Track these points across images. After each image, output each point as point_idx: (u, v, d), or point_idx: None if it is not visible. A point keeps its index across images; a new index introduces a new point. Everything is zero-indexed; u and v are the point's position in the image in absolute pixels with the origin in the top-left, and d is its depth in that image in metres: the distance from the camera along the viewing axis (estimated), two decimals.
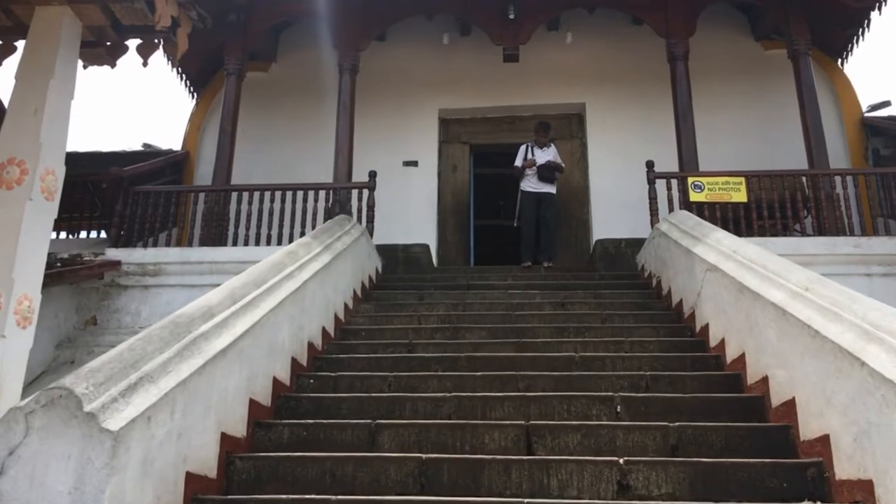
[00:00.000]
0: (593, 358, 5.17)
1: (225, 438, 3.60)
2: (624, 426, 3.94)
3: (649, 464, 3.48)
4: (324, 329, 5.70)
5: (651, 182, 8.61)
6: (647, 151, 9.90)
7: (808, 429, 3.62)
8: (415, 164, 10.86)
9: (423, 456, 3.59)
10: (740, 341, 4.69)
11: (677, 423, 3.92)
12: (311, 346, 5.30)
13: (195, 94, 11.61)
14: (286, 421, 4.17)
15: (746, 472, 3.43)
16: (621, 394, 4.38)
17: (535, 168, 9.30)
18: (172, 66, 10.75)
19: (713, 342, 5.25)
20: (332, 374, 4.94)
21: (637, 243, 8.32)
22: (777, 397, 4.05)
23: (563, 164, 9.69)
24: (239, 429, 3.82)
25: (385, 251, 8.57)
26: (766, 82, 10.54)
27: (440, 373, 4.98)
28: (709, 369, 4.96)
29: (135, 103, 28.45)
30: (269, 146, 10.96)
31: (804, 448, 3.64)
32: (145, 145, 11.95)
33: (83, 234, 11.34)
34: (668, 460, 3.53)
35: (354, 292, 6.89)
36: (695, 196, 8.45)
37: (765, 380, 4.23)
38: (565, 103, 10.98)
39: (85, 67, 5.38)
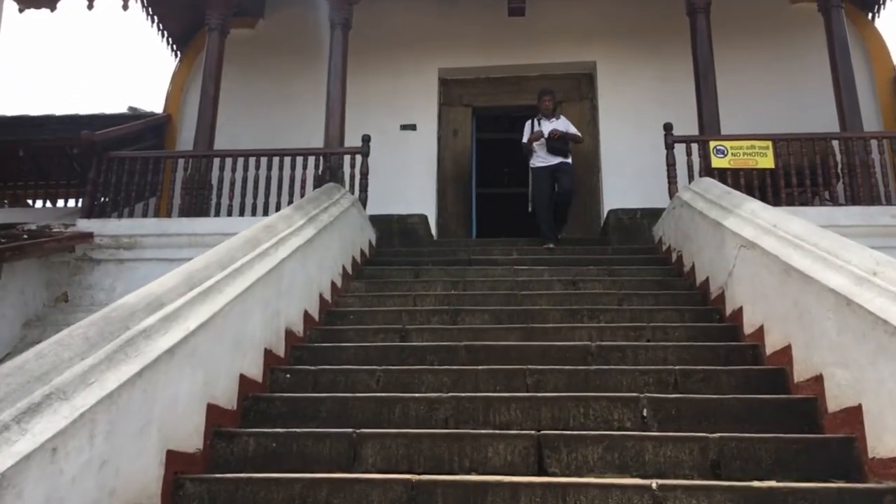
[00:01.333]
0: (611, 348, 4.53)
1: (173, 457, 2.97)
2: (653, 437, 3.30)
3: (689, 490, 2.85)
4: (306, 313, 5.05)
5: (669, 147, 7.89)
6: (663, 114, 9.15)
7: (883, 445, 2.98)
8: (413, 127, 10.13)
9: (414, 478, 2.96)
10: (785, 331, 4.03)
11: (717, 434, 3.28)
12: (289, 333, 4.66)
13: (178, 53, 10.85)
14: (253, 429, 3.53)
15: (808, 502, 2.79)
16: (647, 394, 3.73)
17: (542, 140, 8.15)
18: (151, 22, 9.99)
19: (748, 329, 4.60)
20: (312, 368, 4.30)
21: (654, 214, 7.64)
22: (835, 402, 3.40)
23: (579, 134, 8.56)
24: (193, 442, 3.19)
25: (380, 222, 7.90)
26: (792, 38, 9.74)
27: (436, 366, 4.35)
28: (746, 363, 4.31)
29: (124, 68, 27.57)
30: (258, 110, 10.22)
31: (876, 468, 3.00)
32: (131, 109, 11.20)
33: (61, 203, 10.73)
34: (711, 485, 2.89)
35: (343, 269, 6.24)
36: (717, 162, 7.74)
37: (818, 379, 3.58)
38: (574, 62, 10.20)
39: (21, 11, 4.66)
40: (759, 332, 4.39)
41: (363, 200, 7.87)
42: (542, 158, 8.14)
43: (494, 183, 13.31)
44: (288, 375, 4.24)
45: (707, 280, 5.55)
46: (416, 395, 3.87)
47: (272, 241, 4.67)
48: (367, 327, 5.14)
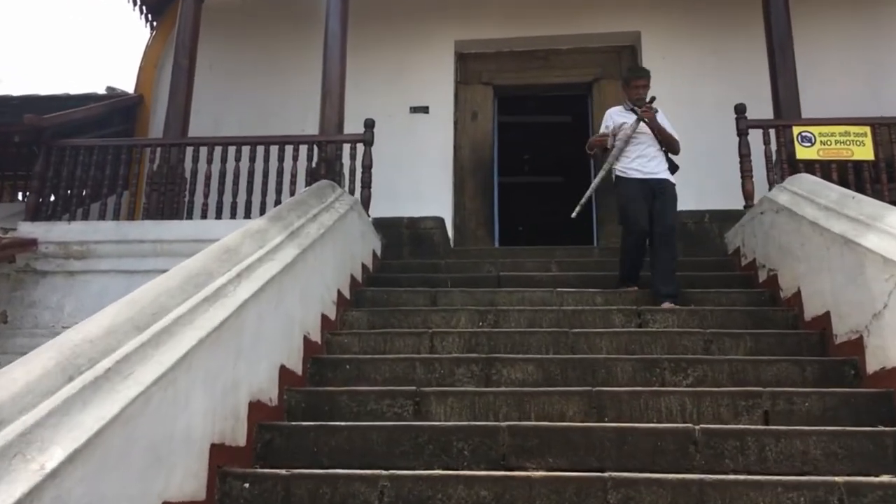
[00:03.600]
0: (723, 434, 3.09)
1: None
2: None
3: None
4: (282, 369, 3.63)
5: (743, 133, 6.42)
6: (721, 95, 7.75)
7: None
8: (425, 110, 8.65)
9: None
10: None
11: None
12: (255, 407, 3.24)
13: (153, 25, 9.39)
14: None
15: None
16: None
17: (636, 141, 5.33)
18: None
19: None
20: (284, 474, 2.88)
21: (727, 217, 6.17)
22: None
23: (678, 141, 5.53)
24: None
25: (386, 227, 6.46)
26: (880, 6, 8.20)
27: (469, 469, 2.94)
28: None
29: (107, 46, 25.92)
30: (244, 90, 8.74)
31: None
32: (109, 89, 9.73)
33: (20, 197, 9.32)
34: None
35: (339, 294, 4.81)
36: (802, 152, 6.26)
37: None
38: (614, 33, 8.67)
39: None
40: None
41: (365, 199, 6.44)
42: (636, 166, 5.29)
43: (514, 171, 11.93)
44: (246, 485, 2.82)
45: (827, 316, 4.11)
46: None
47: (230, 275, 3.25)
48: (367, 389, 3.71)
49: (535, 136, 11.59)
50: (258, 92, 8.67)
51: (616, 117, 5.53)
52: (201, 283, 3.05)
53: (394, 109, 8.50)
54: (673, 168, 5.40)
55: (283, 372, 3.63)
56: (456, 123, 8.70)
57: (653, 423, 3.39)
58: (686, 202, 7.08)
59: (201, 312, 2.87)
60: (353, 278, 5.23)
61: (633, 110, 5.46)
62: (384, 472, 2.83)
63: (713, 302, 4.95)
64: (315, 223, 4.54)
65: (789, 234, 4.73)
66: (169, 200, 6.78)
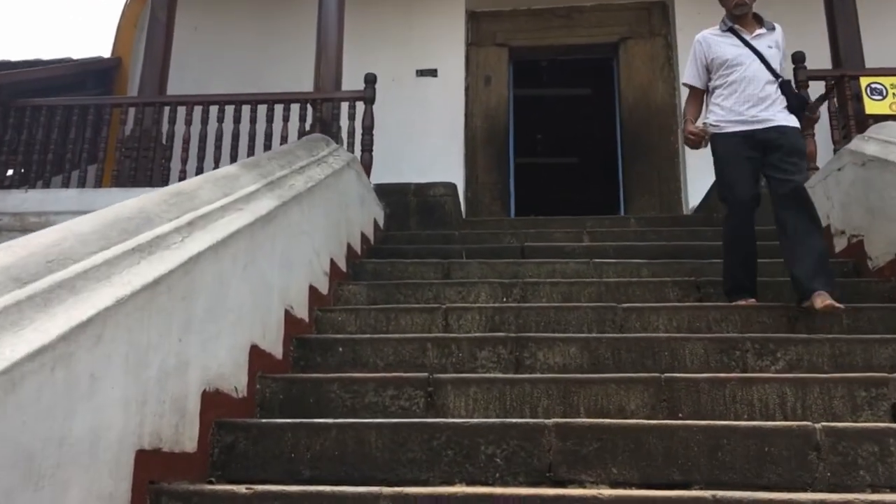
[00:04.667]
0: (855, 435, 2.24)
1: None
2: None
3: None
4: (253, 351, 2.78)
5: (803, 85, 5.53)
6: None
7: None
8: (433, 73, 7.80)
9: None
10: None
11: None
12: (212, 399, 2.40)
13: None
14: None
15: None
16: None
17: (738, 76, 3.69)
18: None
19: None
20: (244, 494, 2.03)
21: None
22: None
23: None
24: None
25: (390, 193, 5.61)
26: None
27: (502, 489, 2.10)
28: None
29: (94, 15, 24.79)
30: (233, 54, 7.89)
31: None
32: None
33: None
34: None
35: (333, 264, 3.96)
36: (873, 107, 5.39)
37: None
38: None
39: None
40: None
41: (366, 164, 5.59)
42: (730, 116, 3.67)
43: (526, 151, 11.11)
44: None
45: None
46: None
47: (177, 223, 2.41)
48: (365, 376, 2.86)
49: (550, 113, 10.77)
50: (248, 55, 7.83)
51: (715, 48, 3.73)
52: (132, 230, 2.21)
53: (399, 73, 7.66)
54: (798, 104, 3.74)
55: (256, 354, 2.79)
56: (467, 89, 7.85)
57: (744, 419, 2.55)
58: None
59: (126, 266, 2.03)
60: (350, 248, 4.38)
61: (732, 30, 3.74)
62: (386, 490, 1.99)
63: (781, 273, 4.08)
64: (302, 176, 3.69)
65: (883, 190, 3.86)
66: (142, 167, 5.94)
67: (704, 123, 3.78)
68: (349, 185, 4.50)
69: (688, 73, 3.95)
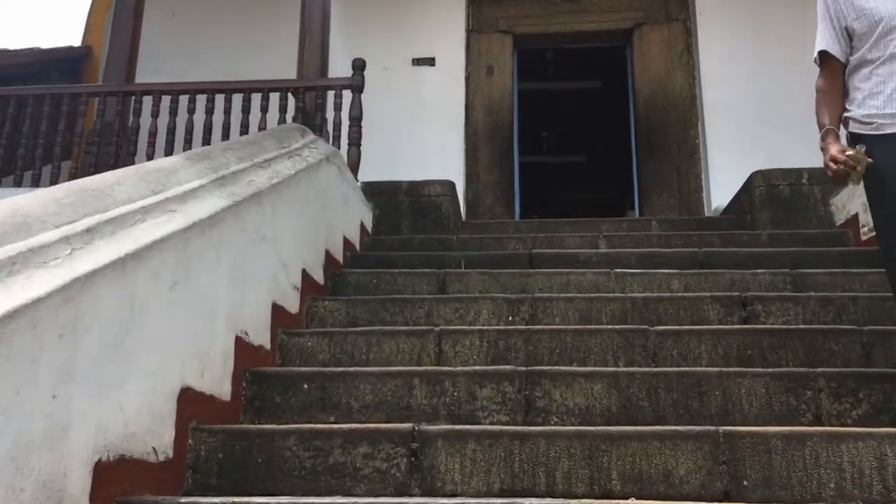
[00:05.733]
0: None
1: None
2: None
3: None
4: (184, 396, 2.13)
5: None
6: (797, 36, 6.26)
7: None
8: (430, 62, 7.17)
9: None
10: None
11: None
12: (115, 469, 1.75)
13: None
14: None
15: None
16: None
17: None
18: None
19: None
20: None
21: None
22: None
23: None
24: None
25: (379, 193, 4.96)
26: None
27: None
28: None
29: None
30: (214, 35, 7.28)
31: None
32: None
33: None
34: None
35: (306, 276, 3.32)
36: None
37: None
38: None
39: None
40: None
41: (354, 160, 4.96)
42: (893, 108, 2.32)
43: (531, 149, 10.49)
44: None
45: None
46: None
47: (68, 230, 1.76)
48: (331, 427, 2.21)
49: (557, 108, 10.14)
50: (229, 42, 7.20)
51: (858, 1, 2.41)
52: None
53: (393, 61, 7.05)
54: None
55: (189, 398, 2.15)
56: (468, 79, 7.20)
57: (830, 490, 1.90)
58: (753, 164, 5.63)
59: None
60: (329, 256, 3.74)
61: None
62: None
63: (840, 287, 3.44)
64: (266, 171, 3.04)
65: None
66: (103, 163, 5.29)
67: (857, 148, 2.32)
68: (329, 183, 3.85)
69: (821, 38, 2.50)
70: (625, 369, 2.55)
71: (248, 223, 2.66)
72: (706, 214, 6.47)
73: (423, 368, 2.60)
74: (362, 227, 4.55)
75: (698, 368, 2.58)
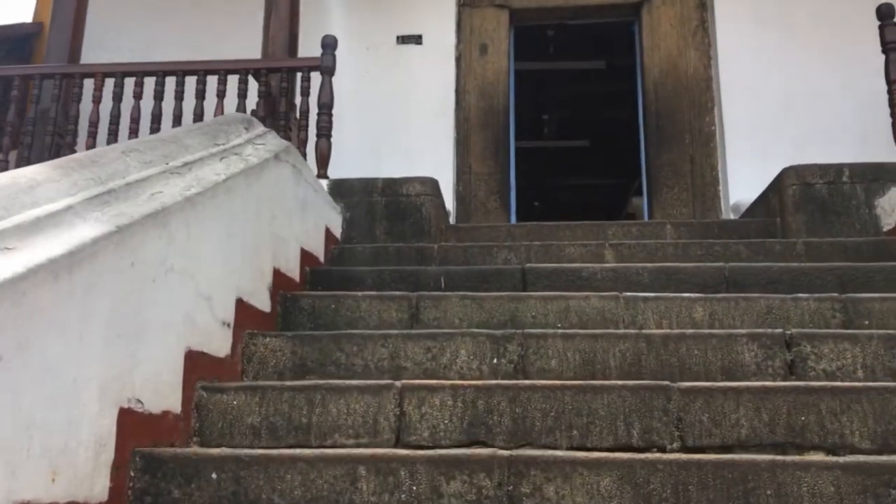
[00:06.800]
0: None
1: None
2: None
3: None
4: None
5: (891, 47, 4.21)
6: (830, 11, 5.60)
7: None
8: (417, 40, 6.46)
9: None
10: None
11: None
12: None
13: None
14: None
15: None
16: None
17: None
18: None
19: None
20: None
21: (879, 174, 3.97)
22: None
23: None
24: None
25: (352, 192, 4.29)
26: None
27: None
28: None
29: None
30: (179, 12, 6.59)
31: None
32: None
33: None
34: None
35: (241, 307, 2.67)
36: None
37: None
38: None
39: None
40: None
41: (323, 153, 4.34)
42: None
43: (529, 133, 9.86)
44: None
45: None
46: None
47: None
48: None
49: (557, 90, 9.47)
50: (194, 24, 6.51)
51: None
52: None
53: (375, 39, 6.38)
54: None
55: None
56: (459, 59, 6.51)
57: None
58: (778, 154, 5.00)
59: None
60: (279, 275, 3.09)
61: None
62: None
63: None
64: (182, 178, 2.38)
65: None
66: (37, 156, 4.64)
67: None
68: (280, 187, 3.19)
69: None
70: (642, 456, 1.91)
71: (142, 254, 2.01)
72: (723, 210, 5.82)
73: (371, 452, 1.95)
74: (328, 233, 3.89)
75: (742, 457, 1.94)
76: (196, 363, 2.29)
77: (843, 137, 5.30)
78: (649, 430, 2.13)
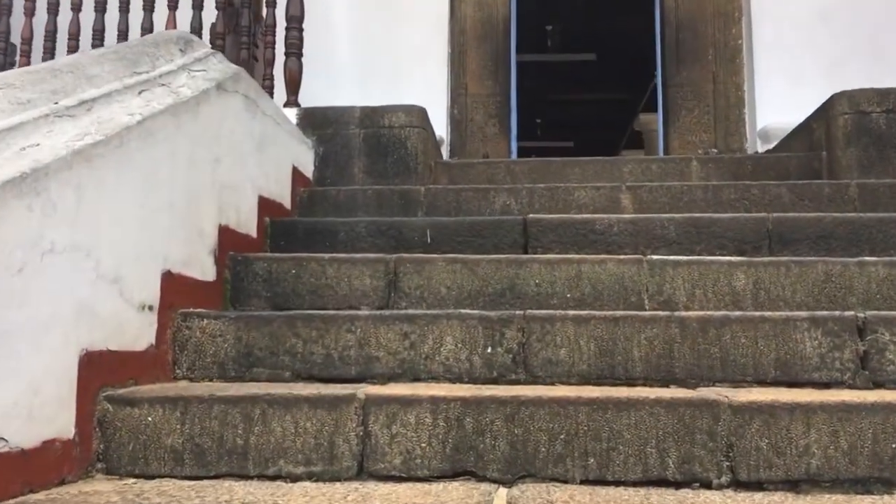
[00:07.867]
0: None
1: None
2: None
3: None
4: None
5: None
6: None
7: None
8: None
9: None
10: None
11: None
12: None
13: None
14: None
15: None
16: None
17: None
18: None
19: None
20: None
21: None
22: None
23: None
24: None
25: (326, 123, 3.67)
26: None
27: None
28: None
29: None
30: None
31: None
32: None
33: None
34: None
35: (171, 279, 2.13)
36: None
37: None
38: None
39: None
40: None
41: (293, 76, 3.71)
42: None
43: (530, 46, 9.11)
44: None
45: None
46: None
47: None
48: None
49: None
50: None
51: None
52: None
53: None
54: None
55: None
56: None
57: None
58: (815, 70, 4.36)
59: None
60: (227, 233, 2.53)
61: None
62: None
63: None
64: (75, 123, 1.80)
65: None
66: None
67: None
68: (226, 123, 2.59)
69: None
70: (680, 494, 1.40)
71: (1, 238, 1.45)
72: (748, 137, 5.20)
73: (326, 489, 1.43)
74: (296, 174, 3.31)
75: (815, 498, 1.43)
76: (98, 367, 1.76)
77: (891, 56, 4.64)
78: (689, 460, 1.62)
